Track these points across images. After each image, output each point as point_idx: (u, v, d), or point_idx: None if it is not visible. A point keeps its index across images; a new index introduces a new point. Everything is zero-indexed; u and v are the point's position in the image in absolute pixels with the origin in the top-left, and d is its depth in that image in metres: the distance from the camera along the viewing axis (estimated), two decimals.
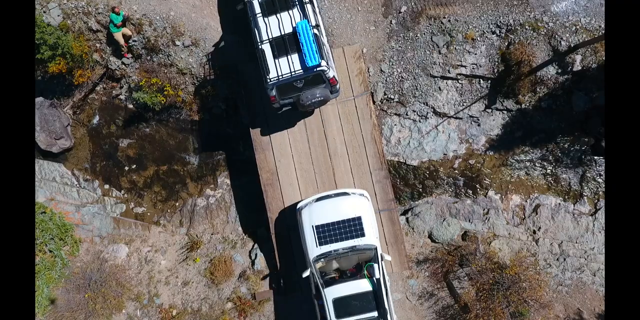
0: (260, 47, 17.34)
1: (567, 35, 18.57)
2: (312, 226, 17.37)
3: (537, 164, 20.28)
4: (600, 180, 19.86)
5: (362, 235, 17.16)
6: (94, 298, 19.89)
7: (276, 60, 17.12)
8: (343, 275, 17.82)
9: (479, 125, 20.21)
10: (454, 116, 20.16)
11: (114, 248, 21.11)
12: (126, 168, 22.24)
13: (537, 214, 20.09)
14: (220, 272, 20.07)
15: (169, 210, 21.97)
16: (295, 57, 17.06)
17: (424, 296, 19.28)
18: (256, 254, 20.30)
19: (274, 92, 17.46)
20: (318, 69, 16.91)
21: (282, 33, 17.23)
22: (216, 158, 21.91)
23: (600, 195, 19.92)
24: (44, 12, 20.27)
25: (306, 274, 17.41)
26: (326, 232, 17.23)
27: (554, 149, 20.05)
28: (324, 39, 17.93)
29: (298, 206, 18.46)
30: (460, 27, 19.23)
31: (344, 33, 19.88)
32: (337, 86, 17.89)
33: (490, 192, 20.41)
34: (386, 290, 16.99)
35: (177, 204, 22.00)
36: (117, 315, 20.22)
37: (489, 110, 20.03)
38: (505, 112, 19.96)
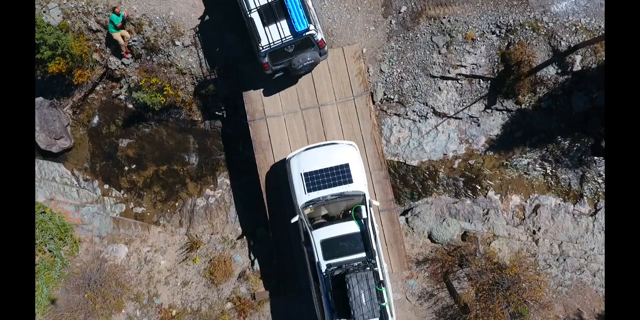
0: (249, 16, 17.53)
1: (567, 35, 18.58)
2: (301, 174, 17.53)
3: (537, 164, 20.29)
4: (600, 180, 19.86)
5: (350, 181, 17.31)
6: (93, 298, 19.88)
7: (266, 28, 17.43)
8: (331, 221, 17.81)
9: (478, 125, 20.21)
10: (454, 116, 20.16)
11: (114, 248, 21.10)
12: (126, 168, 22.24)
13: (537, 214, 20.09)
14: (220, 272, 20.06)
15: (168, 210, 21.97)
16: (284, 23, 17.39)
17: (424, 296, 19.28)
18: (255, 254, 20.29)
19: (266, 59, 17.76)
20: (307, 33, 17.25)
21: (269, 0, 17.53)
22: (216, 158, 21.91)
23: (600, 196, 19.92)
24: (44, 12, 20.27)
25: (295, 219, 17.39)
26: (314, 179, 17.37)
27: (554, 149, 20.05)
28: (309, 3, 18.24)
29: (287, 157, 18.49)
30: (460, 27, 19.23)
31: (343, 33, 19.88)
32: (325, 48, 18.18)
33: (490, 193, 20.41)
34: (374, 232, 16.90)
35: (176, 204, 21.99)
36: (116, 315, 20.21)
37: (489, 111, 20.03)
38: (505, 112, 19.96)
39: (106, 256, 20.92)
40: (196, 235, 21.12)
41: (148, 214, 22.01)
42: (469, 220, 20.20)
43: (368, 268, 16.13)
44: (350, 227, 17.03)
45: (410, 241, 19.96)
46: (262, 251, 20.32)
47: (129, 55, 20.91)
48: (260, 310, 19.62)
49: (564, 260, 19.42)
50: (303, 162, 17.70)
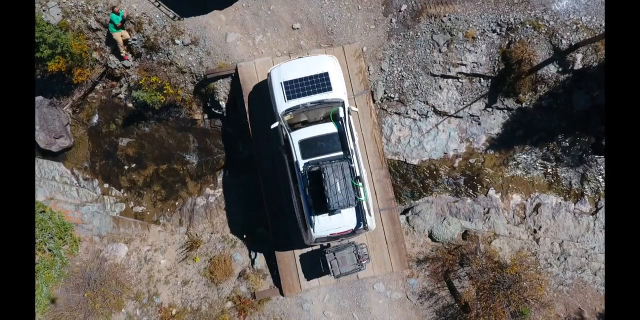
0: None
1: (568, 33, 18.53)
2: (281, 82, 17.71)
3: (537, 163, 20.25)
4: (600, 179, 19.82)
5: (329, 89, 17.53)
6: (93, 297, 19.86)
7: None
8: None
9: (479, 124, 20.17)
10: (455, 115, 20.13)
11: (114, 247, 21.08)
12: (126, 167, 22.21)
13: (537, 213, 20.05)
14: (220, 271, 20.04)
15: (168, 210, 21.94)
16: None
17: (425, 295, 19.26)
18: (256, 253, 20.27)
19: None
20: None
21: None
22: (216, 157, 21.89)
23: (601, 195, 19.88)
24: (44, 10, 20.24)
25: (274, 125, 17.60)
26: (294, 87, 17.61)
27: (555, 148, 20.01)
28: None
29: (269, 70, 18.54)
30: (460, 25, 19.19)
31: (344, 32, 19.85)
32: None
33: (491, 191, 20.38)
34: (352, 135, 17.15)
35: (176, 203, 21.97)
36: (116, 315, 20.19)
37: (490, 109, 19.99)
38: (505, 110, 19.92)
39: (106, 255, 20.89)
40: (196, 235, 21.10)
41: (148, 213, 21.98)
42: (470, 219, 20.18)
43: (344, 161, 16.35)
44: (328, 128, 17.30)
45: (411, 240, 19.94)
46: (262, 250, 20.30)
47: (129, 57, 20.88)
48: (261, 309, 19.59)
49: (565, 259, 19.39)
50: (283, 72, 17.87)
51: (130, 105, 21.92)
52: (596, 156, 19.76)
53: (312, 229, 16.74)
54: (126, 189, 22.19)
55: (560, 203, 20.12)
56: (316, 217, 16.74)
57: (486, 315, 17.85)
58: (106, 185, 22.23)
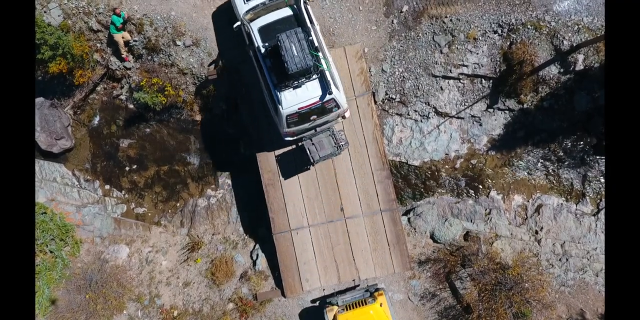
0: None
1: (570, 34, 18.52)
2: None
3: (539, 164, 20.23)
4: (602, 180, 19.80)
5: None
6: (94, 299, 19.85)
7: None
8: None
9: (480, 125, 20.16)
10: (456, 116, 20.11)
11: (115, 248, 21.07)
12: (127, 168, 22.20)
13: (539, 214, 20.03)
14: (222, 273, 20.04)
15: (169, 211, 21.93)
16: None
17: (426, 297, 19.24)
18: (257, 255, 20.27)
19: None
20: None
21: None
22: (217, 158, 21.87)
23: (602, 195, 19.86)
24: (45, 12, 20.23)
25: (236, 24, 18.25)
26: None
27: (556, 148, 20.00)
28: None
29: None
30: (462, 26, 19.18)
31: (345, 33, 19.84)
32: None
33: (492, 192, 20.36)
34: (309, 18, 17.81)
35: (178, 205, 21.95)
36: (118, 316, 20.18)
37: (491, 110, 19.98)
38: (507, 111, 19.91)
39: (107, 257, 20.89)
40: (197, 236, 21.09)
41: (149, 214, 21.97)
42: (471, 220, 20.16)
43: (297, 27, 16.81)
44: (283, 12, 17.94)
45: (413, 241, 19.93)
46: (263, 251, 20.29)
47: (130, 59, 20.88)
48: (262, 310, 19.59)
49: (567, 260, 19.37)
50: None
51: (131, 106, 21.90)
52: (597, 157, 19.74)
53: (280, 107, 17.18)
54: (127, 190, 22.18)
55: (561, 204, 20.11)
56: (282, 93, 17.19)
57: (488, 316, 17.85)
58: (107, 187, 22.22)
